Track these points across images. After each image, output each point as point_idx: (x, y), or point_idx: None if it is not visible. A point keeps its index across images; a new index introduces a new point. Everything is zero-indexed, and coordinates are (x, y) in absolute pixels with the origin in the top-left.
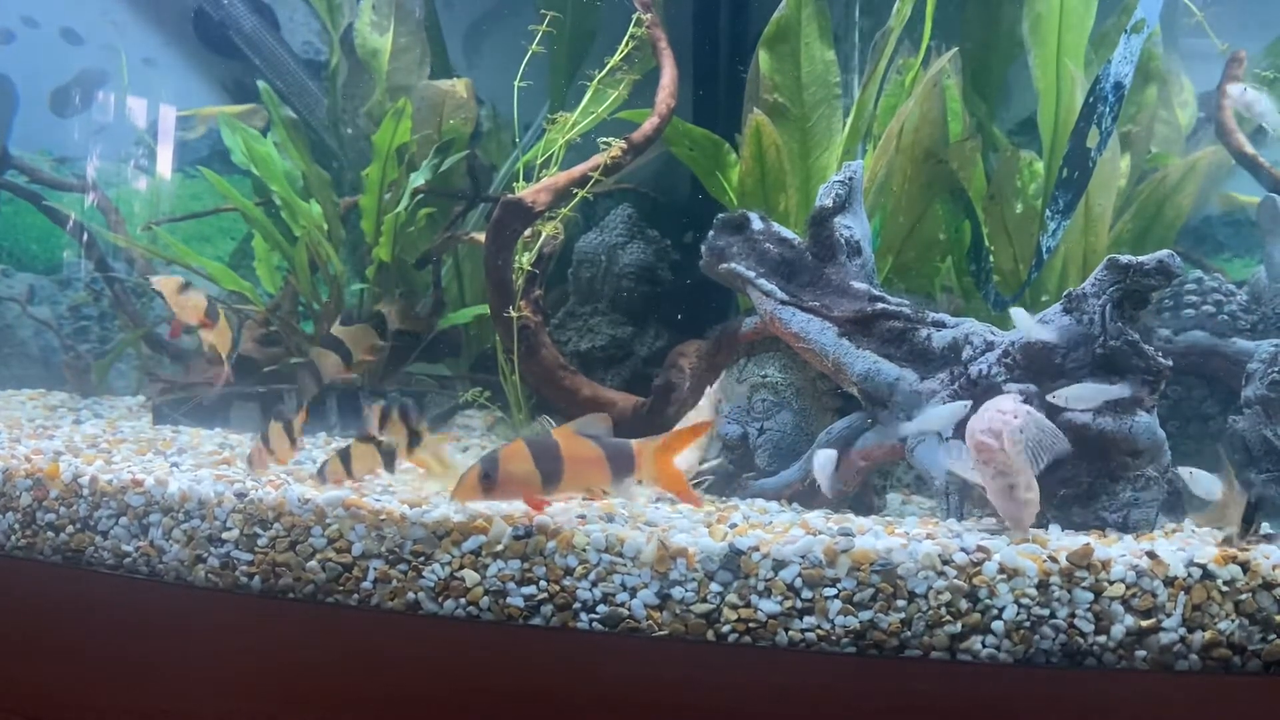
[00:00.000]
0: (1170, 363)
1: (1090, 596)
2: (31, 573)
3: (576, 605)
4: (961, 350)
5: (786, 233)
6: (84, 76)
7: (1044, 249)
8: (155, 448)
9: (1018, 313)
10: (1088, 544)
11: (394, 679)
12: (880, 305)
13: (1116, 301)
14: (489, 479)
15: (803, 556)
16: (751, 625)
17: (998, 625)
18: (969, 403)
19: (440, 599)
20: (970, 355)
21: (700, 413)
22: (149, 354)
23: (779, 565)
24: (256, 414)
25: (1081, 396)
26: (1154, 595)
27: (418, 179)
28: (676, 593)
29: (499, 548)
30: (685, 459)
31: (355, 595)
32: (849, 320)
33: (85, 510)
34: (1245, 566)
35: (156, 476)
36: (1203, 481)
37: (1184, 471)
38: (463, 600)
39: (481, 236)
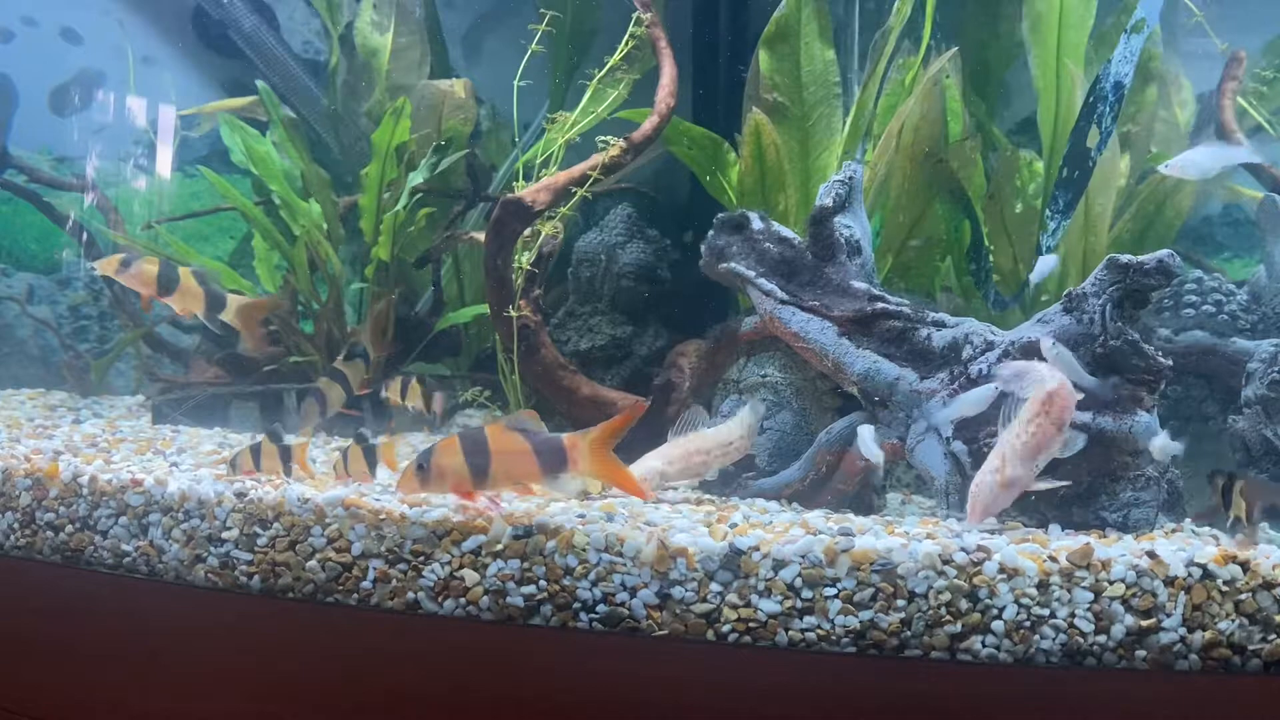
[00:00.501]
0: (1170, 362)
1: (1090, 596)
2: (31, 572)
3: (576, 605)
4: (961, 350)
5: (786, 232)
6: (83, 76)
7: (1044, 248)
8: (155, 447)
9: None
10: (1088, 544)
11: (393, 678)
12: (880, 305)
13: (1116, 301)
14: (423, 470)
15: (803, 556)
16: (751, 625)
17: (998, 625)
18: (998, 386)
19: (440, 599)
20: (970, 355)
21: (740, 424)
22: (148, 353)
23: (779, 565)
24: (256, 414)
25: (1066, 361)
26: (1154, 595)
27: (416, 178)
28: (676, 592)
29: (499, 547)
30: (645, 466)
31: (355, 595)
32: (849, 320)
33: (85, 510)
34: (1245, 566)
35: (156, 476)
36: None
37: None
38: (462, 600)
39: (481, 236)
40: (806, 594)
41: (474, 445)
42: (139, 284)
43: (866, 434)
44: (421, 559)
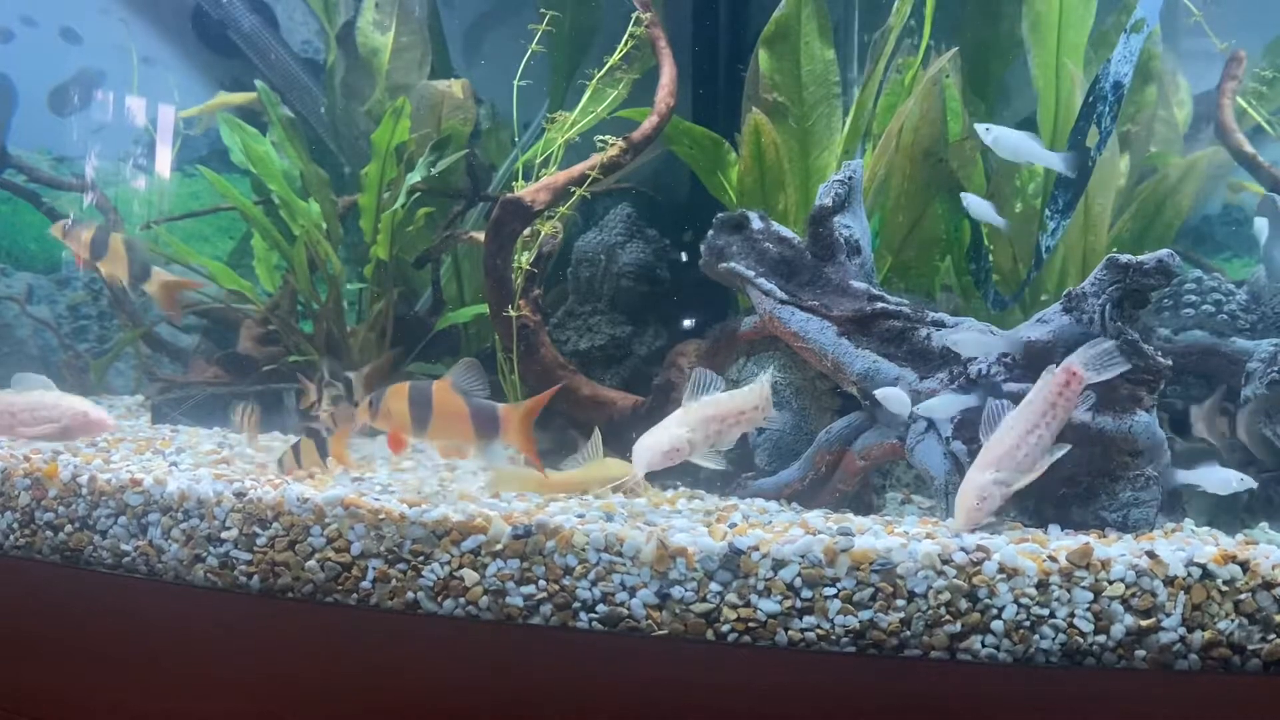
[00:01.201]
0: (1170, 362)
1: (1090, 596)
2: (31, 572)
3: (576, 605)
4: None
5: (786, 232)
6: (83, 76)
7: (1043, 248)
8: (154, 447)
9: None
10: (1087, 544)
11: (393, 678)
12: (879, 304)
13: (1116, 301)
14: (373, 406)
15: (802, 556)
16: (751, 625)
17: (997, 625)
18: (974, 396)
19: (439, 598)
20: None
21: (754, 393)
22: (148, 353)
23: (778, 565)
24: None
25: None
26: (1153, 595)
27: (414, 177)
28: (676, 592)
29: (498, 547)
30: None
31: (354, 595)
32: (848, 319)
33: (84, 509)
34: (1245, 566)
35: (155, 476)
36: (1214, 477)
37: (1190, 476)
38: (462, 600)
39: (481, 236)
40: (806, 594)
41: (419, 397)
42: (76, 246)
43: (893, 393)
44: (421, 559)
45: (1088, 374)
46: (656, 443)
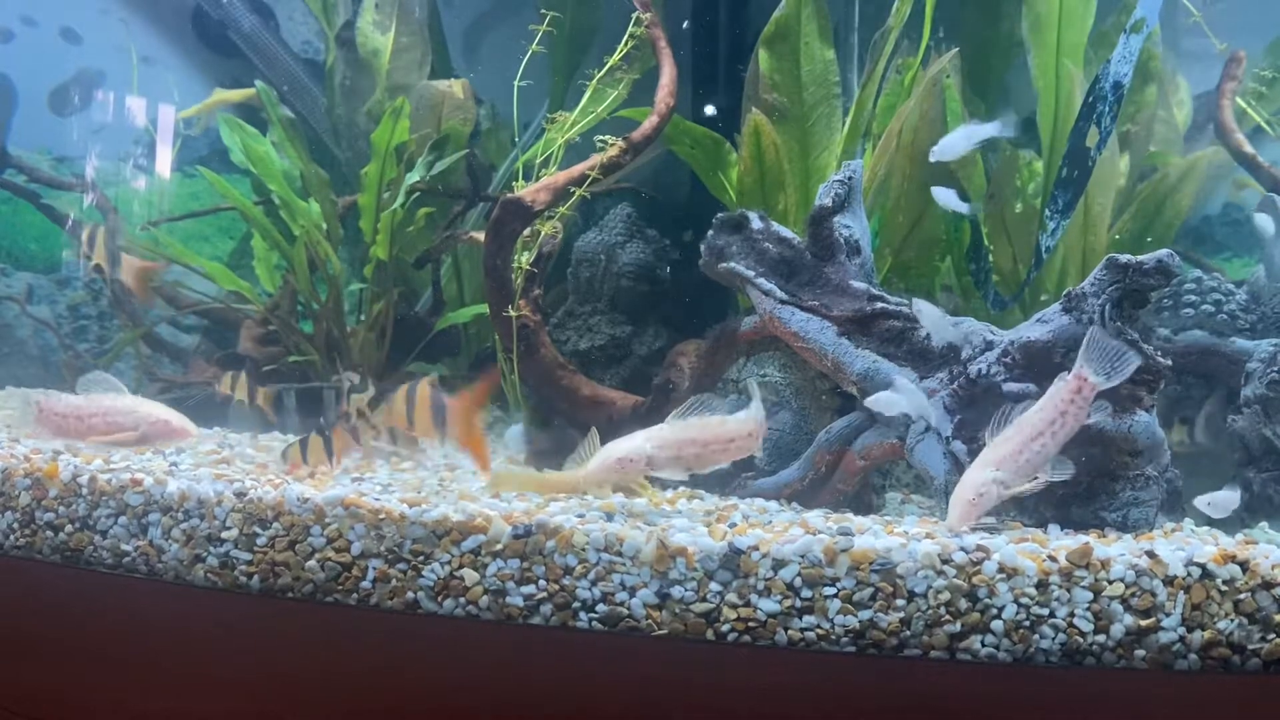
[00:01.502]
0: (1169, 362)
1: (1089, 596)
2: (31, 572)
3: (576, 604)
4: (961, 349)
5: (786, 232)
6: (83, 76)
7: (1043, 248)
8: (154, 447)
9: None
10: (1087, 543)
11: (393, 678)
12: (879, 304)
13: (1116, 301)
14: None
15: (802, 556)
16: (751, 625)
17: (997, 625)
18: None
19: (439, 598)
20: (969, 354)
21: (748, 421)
22: (148, 353)
23: (778, 564)
24: (256, 413)
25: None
26: (1153, 595)
27: (413, 177)
28: (676, 592)
29: (498, 547)
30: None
31: (355, 595)
32: (848, 319)
33: (84, 509)
34: (1245, 566)
35: (155, 476)
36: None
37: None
38: (462, 599)
39: (481, 236)
40: (806, 593)
41: (409, 393)
42: (83, 246)
43: (883, 396)
44: (421, 558)
45: (1097, 380)
46: (615, 449)
